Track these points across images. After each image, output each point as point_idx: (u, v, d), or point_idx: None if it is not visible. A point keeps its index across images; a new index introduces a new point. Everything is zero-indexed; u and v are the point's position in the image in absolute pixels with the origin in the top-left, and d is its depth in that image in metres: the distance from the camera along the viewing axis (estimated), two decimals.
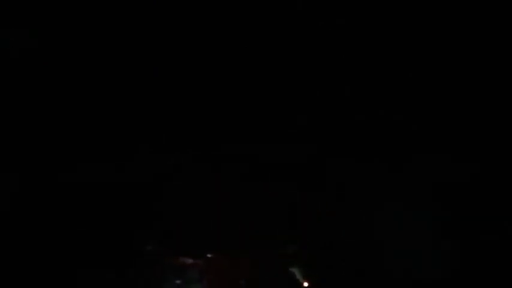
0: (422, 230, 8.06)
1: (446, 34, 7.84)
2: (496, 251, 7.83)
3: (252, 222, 8.78)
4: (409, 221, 8.06)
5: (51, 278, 7.75)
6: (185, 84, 7.91)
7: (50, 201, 7.86)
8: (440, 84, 7.98)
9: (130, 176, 8.20)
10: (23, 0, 7.24)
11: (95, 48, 7.61)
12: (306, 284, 9.23)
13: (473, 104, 7.91)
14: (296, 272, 9.21)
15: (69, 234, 7.94)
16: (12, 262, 7.53)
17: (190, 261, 8.94)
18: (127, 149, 8.10)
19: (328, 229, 8.70)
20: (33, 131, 7.68)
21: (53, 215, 7.85)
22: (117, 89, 7.79)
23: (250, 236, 8.93)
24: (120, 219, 8.35)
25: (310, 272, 9.09)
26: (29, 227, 7.74)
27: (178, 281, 8.92)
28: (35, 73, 7.57)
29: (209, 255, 9.07)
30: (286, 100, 7.96)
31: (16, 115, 7.59)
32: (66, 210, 8.00)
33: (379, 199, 8.12)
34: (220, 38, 7.80)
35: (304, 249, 8.99)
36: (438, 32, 7.86)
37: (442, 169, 8.04)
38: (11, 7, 7.18)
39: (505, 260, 7.74)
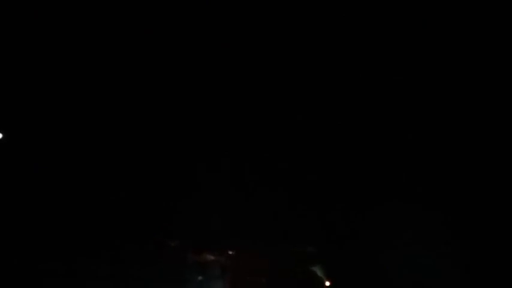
0: (431, 233, 8.03)
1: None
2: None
3: (275, 222, 8.75)
4: (422, 225, 8.02)
5: (74, 273, 7.83)
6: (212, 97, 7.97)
7: (74, 199, 7.93)
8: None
9: (154, 177, 8.24)
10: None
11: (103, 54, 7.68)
12: (327, 283, 9.19)
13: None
14: (318, 271, 9.16)
15: (93, 231, 8.01)
16: (36, 254, 7.62)
17: (212, 258, 8.96)
18: (153, 152, 8.14)
19: (350, 230, 8.63)
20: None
21: (75, 212, 7.92)
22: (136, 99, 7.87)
23: (272, 234, 8.90)
24: (145, 217, 8.39)
25: (332, 271, 9.04)
26: (51, 221, 7.82)
27: (200, 278, 8.96)
28: (36, 75, 7.63)
29: (231, 253, 9.06)
30: (298, 108, 7.92)
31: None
32: (90, 207, 8.06)
33: (395, 203, 8.07)
34: (234, 54, 7.83)
35: (325, 249, 8.94)
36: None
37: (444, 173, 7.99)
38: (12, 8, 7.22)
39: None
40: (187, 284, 8.90)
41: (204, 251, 9.01)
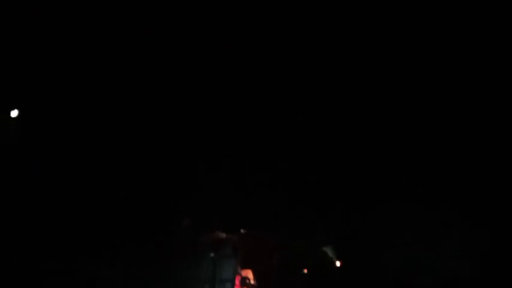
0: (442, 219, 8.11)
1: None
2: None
3: (287, 203, 8.82)
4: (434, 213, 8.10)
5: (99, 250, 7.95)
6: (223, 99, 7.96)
7: (97, 179, 7.99)
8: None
9: (168, 158, 8.28)
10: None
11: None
12: (338, 264, 9.29)
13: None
14: (329, 251, 9.24)
15: (115, 212, 8.10)
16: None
17: (224, 237, 9.06)
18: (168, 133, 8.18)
19: (362, 213, 8.68)
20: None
21: (100, 194, 8.00)
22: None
23: (285, 215, 8.97)
24: (159, 196, 8.46)
25: (343, 252, 9.12)
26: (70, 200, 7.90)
27: (212, 255, 9.08)
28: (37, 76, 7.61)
29: (243, 232, 9.15)
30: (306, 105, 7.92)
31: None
32: (106, 186, 8.14)
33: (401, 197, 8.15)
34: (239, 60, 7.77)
35: (337, 230, 9.01)
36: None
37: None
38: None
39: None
40: (199, 261, 9.03)
41: (217, 230, 9.11)
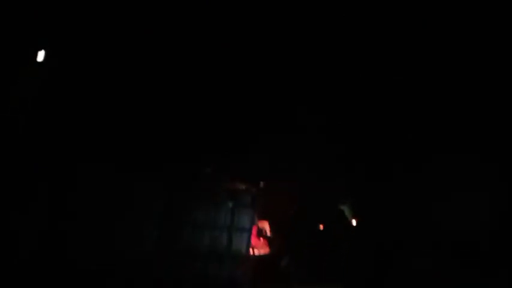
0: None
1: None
2: None
3: (308, 160, 8.93)
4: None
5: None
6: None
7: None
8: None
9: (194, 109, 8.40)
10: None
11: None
12: (354, 222, 9.42)
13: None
14: (345, 209, 9.37)
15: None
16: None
17: (243, 187, 9.20)
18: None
19: (380, 174, 8.77)
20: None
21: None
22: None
23: (304, 170, 9.09)
24: (185, 145, 8.59)
25: (359, 211, 9.24)
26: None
27: (231, 204, 9.24)
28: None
29: (262, 183, 9.29)
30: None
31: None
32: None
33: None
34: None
35: (354, 189, 9.12)
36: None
37: None
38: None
39: None
40: (218, 208, 9.18)
41: (237, 180, 9.24)
